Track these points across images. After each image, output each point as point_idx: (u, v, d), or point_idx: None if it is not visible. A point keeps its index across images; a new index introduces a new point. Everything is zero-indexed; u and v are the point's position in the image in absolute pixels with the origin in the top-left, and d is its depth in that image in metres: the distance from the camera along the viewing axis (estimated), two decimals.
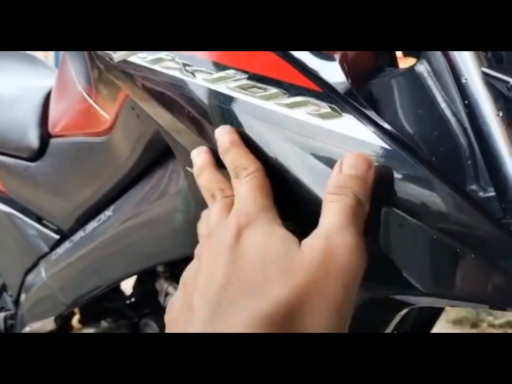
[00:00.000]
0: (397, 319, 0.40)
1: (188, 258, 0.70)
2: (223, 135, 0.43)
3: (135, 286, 0.99)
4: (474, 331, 1.94)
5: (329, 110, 0.39)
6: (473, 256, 0.34)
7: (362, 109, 0.39)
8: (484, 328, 1.97)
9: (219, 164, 0.44)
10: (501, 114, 0.40)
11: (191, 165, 0.52)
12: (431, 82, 0.43)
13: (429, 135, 0.42)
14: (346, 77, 0.41)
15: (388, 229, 0.37)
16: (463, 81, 0.41)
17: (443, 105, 0.43)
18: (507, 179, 0.39)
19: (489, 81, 0.39)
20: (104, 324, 0.91)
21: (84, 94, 0.77)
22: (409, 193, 0.36)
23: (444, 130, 0.42)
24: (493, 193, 0.40)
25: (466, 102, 0.41)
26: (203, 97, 0.45)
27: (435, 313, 0.79)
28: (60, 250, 0.90)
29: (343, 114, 0.39)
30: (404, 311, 0.40)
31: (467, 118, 0.41)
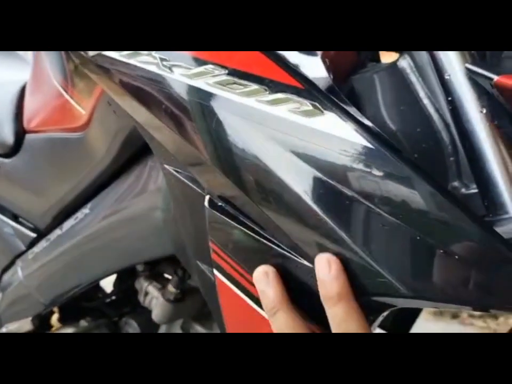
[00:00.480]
0: (380, 319, 0.40)
1: (168, 257, 0.69)
2: (329, 281, 0.37)
3: (115, 285, 0.97)
4: (454, 321, 1.97)
5: (311, 107, 0.38)
6: (456, 257, 0.33)
7: (344, 106, 0.38)
8: (464, 318, 2.00)
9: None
10: (484, 111, 0.39)
11: (169, 163, 0.51)
12: (413, 78, 0.42)
13: (411, 132, 0.41)
14: (328, 72, 0.40)
15: (370, 229, 0.36)
16: (447, 77, 0.40)
17: (426, 101, 0.42)
18: (490, 176, 0.38)
19: (472, 78, 0.39)
20: (83, 323, 0.90)
21: (60, 88, 0.75)
22: (391, 193, 0.35)
23: (427, 127, 0.41)
24: (475, 190, 0.39)
25: (449, 98, 0.40)
26: (181, 93, 0.44)
27: (416, 308, 0.80)
28: (36, 249, 0.88)
29: (325, 112, 0.38)
30: (386, 312, 0.39)
31: (450, 115, 0.41)
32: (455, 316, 1.98)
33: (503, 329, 1.90)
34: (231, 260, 0.44)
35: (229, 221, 0.43)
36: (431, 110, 0.42)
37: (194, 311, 0.77)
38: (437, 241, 0.34)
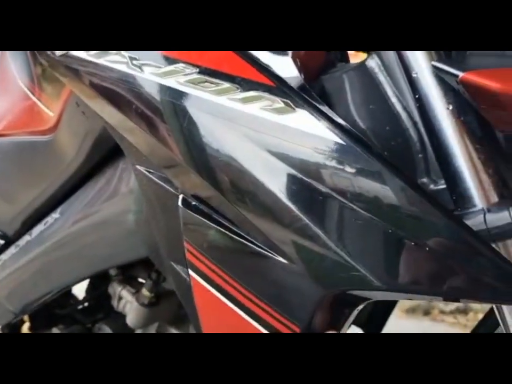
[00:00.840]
0: (355, 313, 0.40)
1: (142, 261, 0.68)
2: None
3: (87, 291, 0.95)
4: (426, 318, 2.01)
5: (282, 105, 0.39)
6: (427, 249, 0.34)
7: (316, 104, 0.39)
8: (436, 315, 2.04)
9: None
10: (450, 107, 0.40)
11: (141, 163, 0.50)
12: (382, 77, 0.43)
13: (380, 130, 0.42)
14: (299, 72, 0.41)
15: (344, 225, 0.36)
16: (414, 75, 0.41)
17: (394, 100, 0.43)
18: (457, 171, 0.39)
19: (439, 75, 0.40)
20: (55, 330, 0.87)
21: (26, 91, 0.73)
22: (363, 188, 0.36)
23: (395, 125, 0.42)
24: (443, 186, 0.40)
25: (417, 96, 0.41)
26: (152, 92, 0.44)
27: (390, 305, 0.81)
28: (4, 256, 0.85)
29: (297, 109, 0.38)
30: (361, 306, 0.40)
31: (418, 112, 0.42)
32: (426, 313, 2.02)
33: (473, 324, 1.95)
34: (206, 260, 0.43)
35: (204, 220, 0.43)
36: (399, 108, 0.43)
37: (169, 315, 0.76)
38: (409, 234, 0.34)
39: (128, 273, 0.77)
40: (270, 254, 0.40)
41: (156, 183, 0.48)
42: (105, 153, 0.64)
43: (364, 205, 0.36)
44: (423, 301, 2.00)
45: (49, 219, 0.75)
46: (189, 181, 0.44)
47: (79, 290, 0.96)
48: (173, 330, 0.77)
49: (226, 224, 0.42)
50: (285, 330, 0.39)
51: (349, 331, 0.43)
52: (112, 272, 0.76)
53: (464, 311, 2.02)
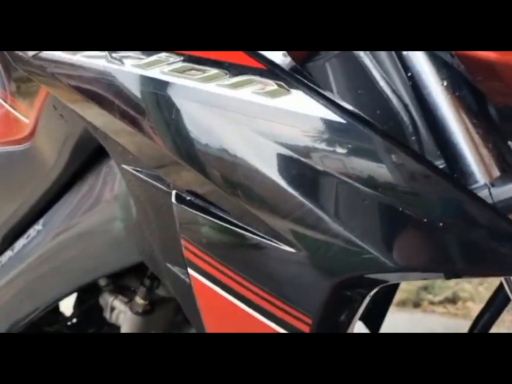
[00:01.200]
0: (367, 300, 0.38)
1: (131, 268, 0.65)
2: None
3: (75, 305, 0.91)
4: (417, 310, 2.03)
5: (276, 87, 0.37)
6: (440, 224, 0.32)
7: (311, 84, 0.37)
8: (426, 306, 2.07)
9: None
10: (445, 83, 0.39)
11: (128, 163, 0.48)
12: (367, 61, 0.42)
13: (371, 115, 0.40)
14: (288, 54, 0.39)
15: (350, 206, 0.35)
16: (404, 53, 0.40)
17: (382, 83, 0.42)
18: (456, 148, 0.38)
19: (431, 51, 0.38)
20: None
21: None
22: (368, 166, 0.34)
23: (386, 108, 0.41)
24: (443, 165, 0.39)
25: (409, 74, 0.40)
26: (134, 85, 0.41)
27: (388, 296, 0.80)
28: None
29: (291, 90, 0.36)
30: (374, 291, 0.38)
31: (411, 91, 0.40)
32: (416, 305, 2.04)
33: (462, 313, 1.97)
34: (206, 256, 0.41)
35: (201, 214, 0.40)
36: (388, 91, 0.41)
37: (165, 323, 0.73)
38: (420, 211, 0.33)
39: (119, 283, 0.74)
40: (274, 244, 0.38)
41: (146, 181, 0.46)
42: (87, 158, 0.61)
43: (370, 184, 0.34)
44: (412, 293, 2.03)
45: (32, 232, 0.71)
46: (181, 177, 0.41)
47: (66, 307, 0.92)
48: None
49: (225, 217, 0.40)
50: (296, 323, 0.37)
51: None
52: (102, 282, 0.73)
53: (453, 301, 2.05)
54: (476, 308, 1.91)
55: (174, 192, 0.43)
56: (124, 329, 0.70)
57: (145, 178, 0.46)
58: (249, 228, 0.39)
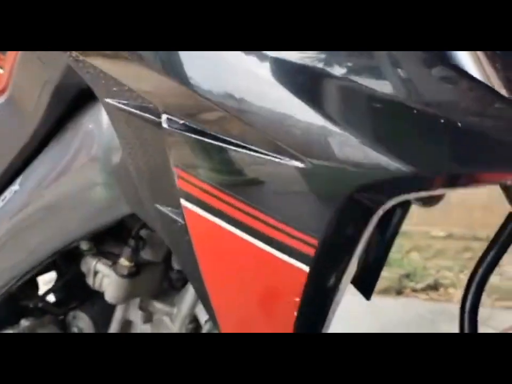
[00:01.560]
0: (375, 220, 0.35)
1: (115, 233, 0.61)
2: None
3: (56, 280, 0.87)
4: (401, 298, 2.04)
5: None
6: (459, 124, 0.30)
7: None
8: (408, 293, 2.08)
9: None
10: None
11: (112, 95, 0.44)
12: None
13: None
14: None
15: (361, 110, 0.32)
16: None
17: None
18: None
19: None
20: (24, 322, 0.79)
21: None
22: (378, 65, 0.31)
23: None
24: None
25: None
26: None
27: (379, 263, 0.78)
28: None
29: None
30: (380, 211, 0.35)
31: None
32: (399, 292, 2.05)
33: (445, 298, 1.98)
34: (202, 183, 0.38)
35: (196, 136, 0.37)
36: None
37: (152, 287, 0.70)
38: (437, 111, 0.30)
39: (101, 246, 0.70)
40: (278, 160, 0.35)
41: (131, 113, 0.42)
42: (67, 107, 0.57)
43: (381, 85, 0.31)
44: (394, 281, 2.03)
45: (8, 193, 0.67)
46: (173, 98, 0.38)
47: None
48: (157, 304, 0.71)
49: (223, 137, 0.36)
50: (299, 246, 0.34)
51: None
52: (84, 246, 0.69)
53: (435, 287, 2.06)
54: (458, 294, 1.92)
55: (165, 116, 0.39)
56: (108, 293, 0.66)
57: (131, 109, 0.42)
58: (250, 147, 0.36)
